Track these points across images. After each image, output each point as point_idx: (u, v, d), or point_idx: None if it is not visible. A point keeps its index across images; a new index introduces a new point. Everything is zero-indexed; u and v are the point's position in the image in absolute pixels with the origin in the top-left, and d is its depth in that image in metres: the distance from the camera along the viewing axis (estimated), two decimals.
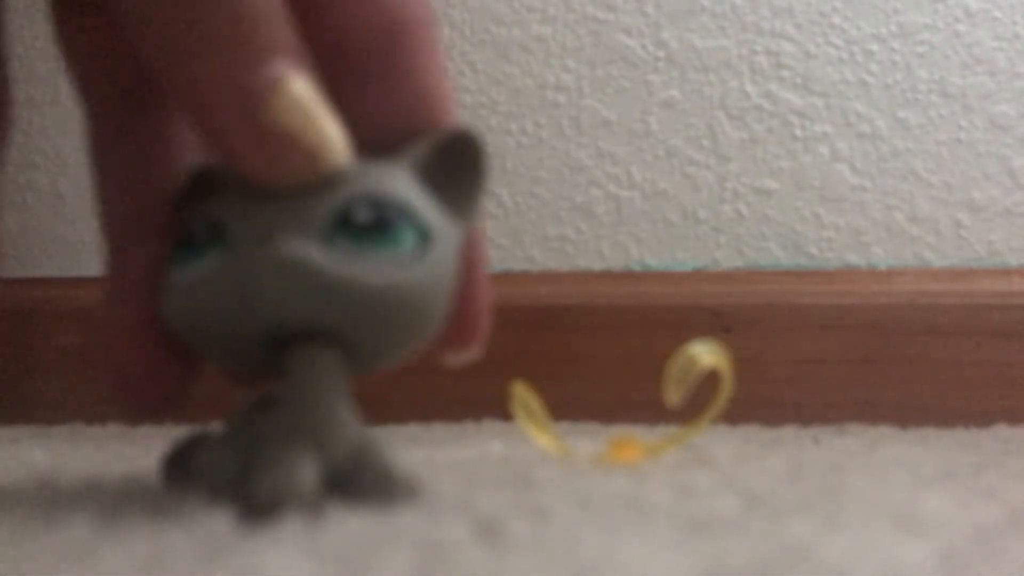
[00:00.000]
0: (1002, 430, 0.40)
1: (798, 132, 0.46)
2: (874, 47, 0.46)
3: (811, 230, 0.46)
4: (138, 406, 0.20)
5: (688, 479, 0.23)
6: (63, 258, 0.50)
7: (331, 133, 0.17)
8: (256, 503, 0.17)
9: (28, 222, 0.51)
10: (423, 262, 0.18)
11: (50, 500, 0.20)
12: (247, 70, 0.17)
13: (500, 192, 0.48)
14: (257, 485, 0.17)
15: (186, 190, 0.20)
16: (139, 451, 0.32)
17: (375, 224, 0.18)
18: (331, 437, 0.18)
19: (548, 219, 0.48)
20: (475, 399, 0.44)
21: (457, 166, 0.20)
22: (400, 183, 0.18)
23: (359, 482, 0.18)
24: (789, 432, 0.39)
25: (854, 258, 0.46)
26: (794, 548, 0.15)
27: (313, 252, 0.17)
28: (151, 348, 0.19)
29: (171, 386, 0.20)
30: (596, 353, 0.44)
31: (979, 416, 0.42)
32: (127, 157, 0.20)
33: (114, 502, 0.20)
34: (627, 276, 0.47)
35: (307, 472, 0.18)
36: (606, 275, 0.47)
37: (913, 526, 0.18)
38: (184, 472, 0.21)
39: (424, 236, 0.18)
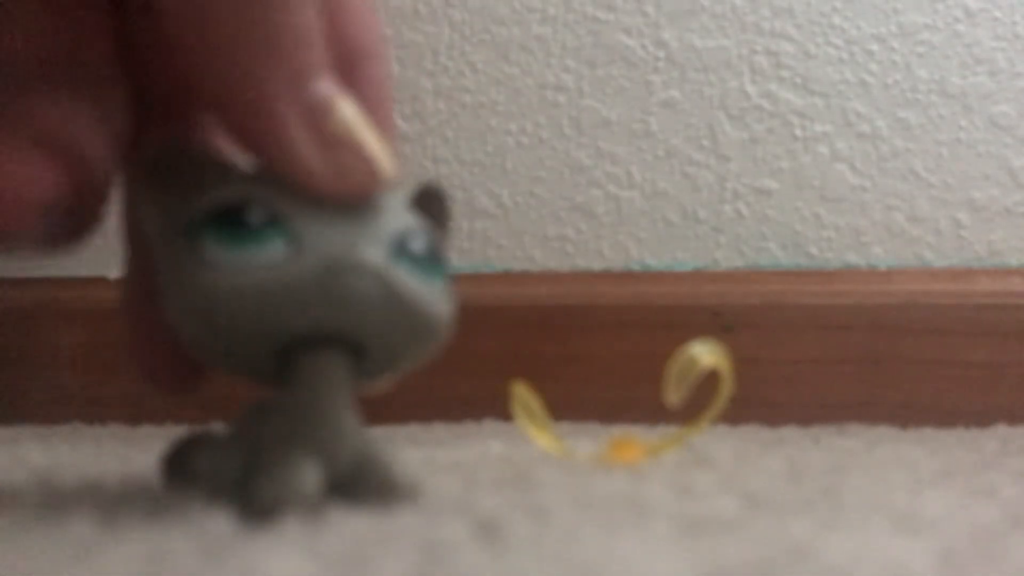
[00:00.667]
0: (1002, 430, 0.40)
1: (798, 132, 0.47)
2: (874, 47, 0.46)
3: (811, 230, 0.46)
4: (168, 389, 0.21)
5: (688, 479, 0.23)
6: (63, 258, 0.50)
7: (384, 149, 0.18)
8: (257, 505, 0.17)
9: None
10: (447, 298, 0.20)
11: (50, 500, 0.20)
12: (310, 83, 0.18)
13: (500, 192, 0.48)
14: (259, 487, 0.17)
15: (158, 165, 0.20)
16: (139, 451, 0.32)
17: (425, 256, 0.19)
18: (335, 442, 0.18)
19: (548, 219, 0.48)
20: (475, 399, 0.44)
21: (431, 212, 0.21)
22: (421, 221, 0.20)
23: (361, 487, 0.19)
24: (789, 432, 0.39)
25: (854, 258, 0.46)
26: (794, 548, 0.15)
27: (391, 265, 0.18)
28: (170, 345, 0.21)
29: (189, 375, 0.21)
30: (596, 353, 0.44)
31: (979, 416, 0.42)
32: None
33: (114, 502, 0.20)
34: (627, 276, 0.47)
35: (309, 476, 0.18)
36: (606, 275, 0.47)
37: (913, 526, 0.18)
38: (184, 472, 0.21)
39: (445, 274, 0.20)
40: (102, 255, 0.50)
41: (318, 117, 0.18)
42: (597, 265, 0.47)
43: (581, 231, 0.47)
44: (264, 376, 0.19)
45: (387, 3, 0.49)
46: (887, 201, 0.46)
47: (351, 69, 0.20)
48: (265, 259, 0.18)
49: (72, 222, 0.18)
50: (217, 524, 0.17)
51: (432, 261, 0.19)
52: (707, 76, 0.47)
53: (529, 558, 0.15)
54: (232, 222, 0.18)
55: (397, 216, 0.19)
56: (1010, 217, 0.45)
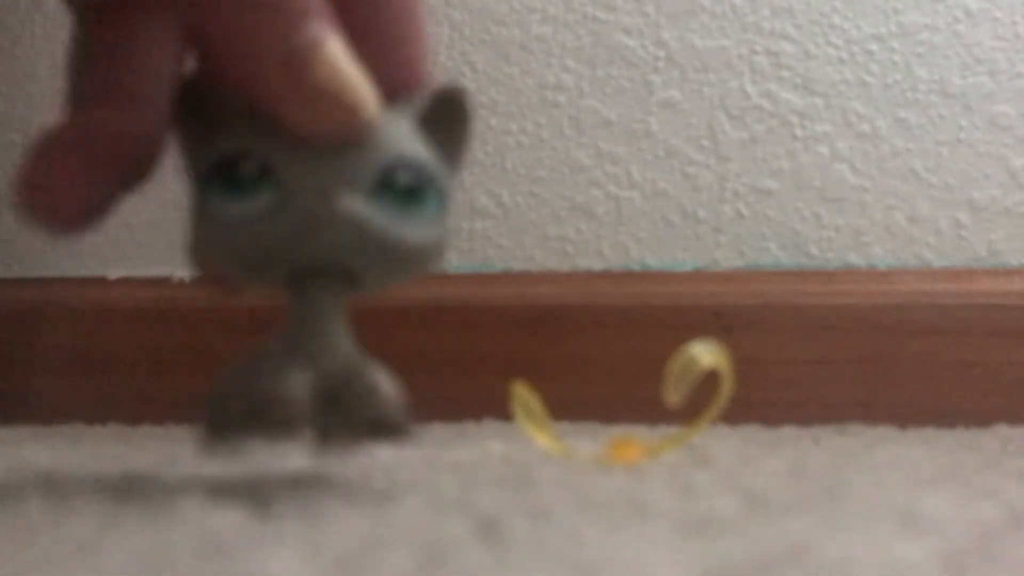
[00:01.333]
0: (1002, 430, 0.40)
1: (798, 132, 0.46)
2: (874, 47, 0.46)
3: (811, 230, 0.46)
4: (51, 217, 0.19)
5: (688, 479, 0.23)
6: (63, 258, 0.50)
7: (365, 89, 0.19)
8: (254, 409, 0.19)
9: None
10: (442, 221, 0.20)
11: (50, 500, 0.20)
12: (290, 31, 0.18)
13: (500, 192, 0.48)
14: (254, 392, 0.19)
15: (182, 102, 0.21)
16: (139, 451, 0.32)
17: (412, 188, 0.20)
18: (323, 353, 0.20)
19: (548, 219, 0.48)
20: (475, 399, 0.44)
21: (449, 120, 0.22)
22: (421, 146, 0.20)
23: (350, 396, 0.20)
24: (789, 432, 0.39)
25: (854, 258, 0.46)
26: (794, 548, 0.15)
27: (366, 210, 0.19)
28: (84, 161, 0.19)
29: (92, 201, 0.19)
30: (596, 353, 0.44)
31: (979, 416, 0.42)
32: (112, 60, 0.20)
33: (114, 502, 0.20)
34: (627, 276, 0.47)
35: (297, 382, 0.19)
36: (606, 275, 0.47)
37: (913, 526, 0.18)
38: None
39: (442, 197, 0.20)
40: (102, 255, 0.50)
41: (296, 63, 0.18)
42: (597, 265, 0.47)
43: (581, 231, 0.47)
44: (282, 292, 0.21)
45: None
46: (887, 201, 0.46)
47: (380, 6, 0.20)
48: (256, 210, 0.19)
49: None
50: (217, 524, 0.17)
51: (420, 190, 0.20)
52: (707, 76, 0.47)
53: (529, 558, 0.15)
54: (229, 175, 0.20)
55: (391, 145, 0.20)
56: (1010, 217, 0.45)
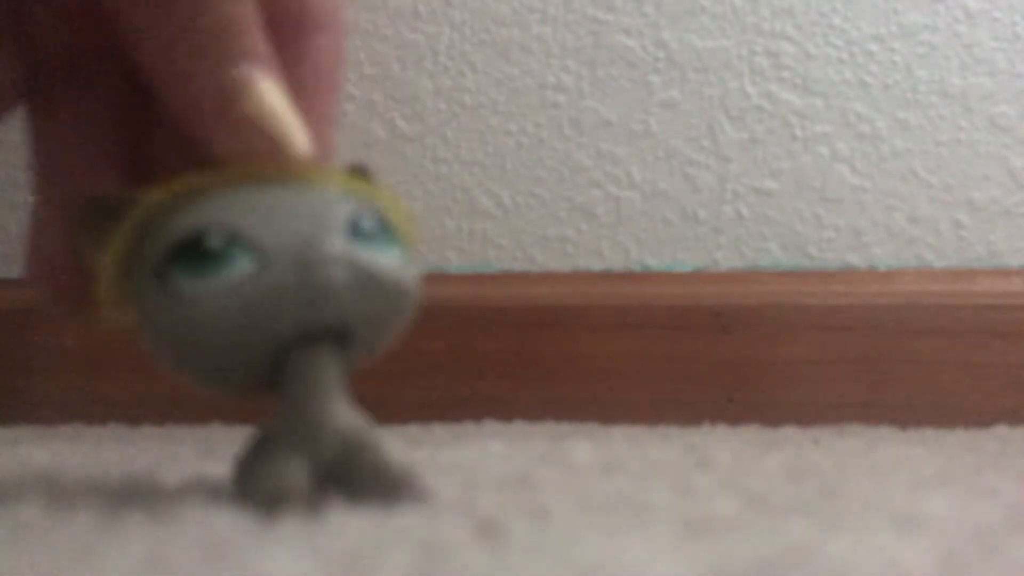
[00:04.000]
0: (1002, 431, 0.40)
1: (798, 133, 0.47)
2: (874, 48, 0.46)
3: (811, 231, 0.46)
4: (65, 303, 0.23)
5: (688, 479, 0.23)
6: None
7: (295, 126, 0.20)
8: (253, 504, 0.18)
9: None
10: (409, 261, 0.20)
11: (50, 500, 0.20)
12: (224, 71, 0.19)
13: (500, 192, 0.48)
14: (251, 487, 0.18)
15: (85, 215, 0.20)
16: (139, 451, 0.32)
17: (378, 230, 0.20)
18: (316, 436, 0.19)
19: (548, 219, 0.48)
20: (475, 399, 0.44)
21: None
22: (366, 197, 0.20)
23: (354, 475, 0.19)
24: (789, 432, 0.39)
25: (854, 259, 0.46)
26: (794, 548, 0.15)
27: (352, 248, 0.19)
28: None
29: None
30: (596, 353, 0.44)
31: (979, 416, 0.42)
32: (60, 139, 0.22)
33: (114, 502, 0.20)
34: (627, 276, 0.47)
35: (296, 472, 0.19)
36: (606, 275, 0.47)
37: (913, 526, 0.18)
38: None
39: (402, 243, 0.20)
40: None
41: (227, 99, 0.19)
42: (597, 265, 0.47)
43: (581, 231, 0.47)
44: (259, 387, 0.20)
45: (387, 3, 0.49)
46: (887, 202, 0.46)
47: (298, 41, 0.21)
48: (237, 277, 0.18)
49: None
50: (217, 524, 0.17)
51: (385, 233, 0.20)
52: (707, 76, 0.47)
53: (529, 558, 0.15)
54: (195, 254, 0.19)
55: (340, 201, 0.20)
56: (1010, 218, 0.45)
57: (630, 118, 0.47)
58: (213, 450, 0.31)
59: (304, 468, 0.19)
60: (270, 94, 0.19)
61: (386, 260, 0.19)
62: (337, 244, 0.19)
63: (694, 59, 0.47)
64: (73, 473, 0.25)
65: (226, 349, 0.19)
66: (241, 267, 0.18)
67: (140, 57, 0.20)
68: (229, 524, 0.17)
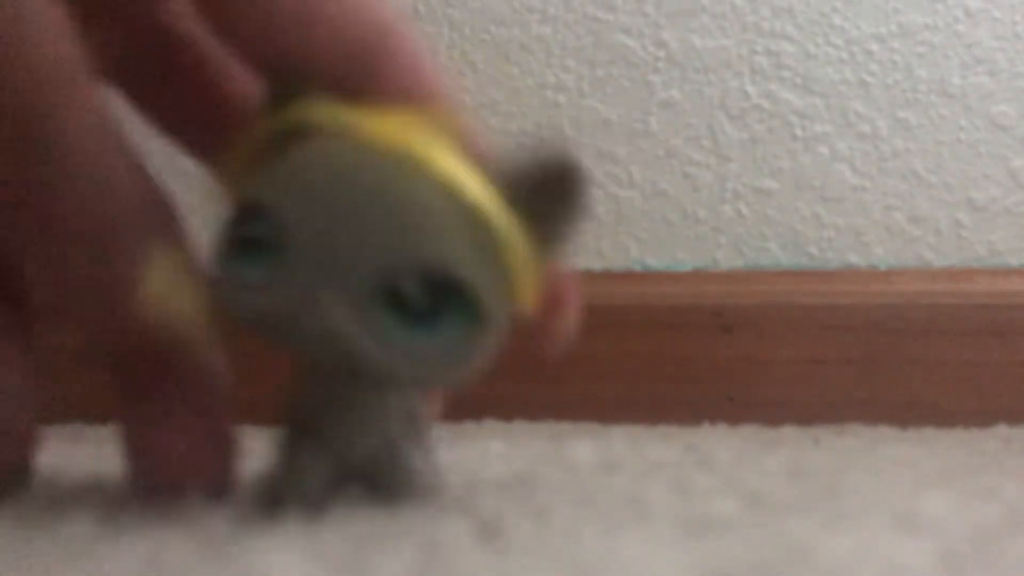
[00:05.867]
0: (1002, 430, 0.39)
1: (798, 132, 0.46)
2: (874, 47, 0.46)
3: (811, 230, 0.46)
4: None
5: (688, 479, 0.23)
6: None
7: (194, 315, 0.18)
8: (267, 502, 0.18)
9: None
10: (470, 350, 0.17)
11: (50, 500, 0.20)
12: (108, 269, 0.18)
13: None
14: (269, 487, 0.18)
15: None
16: None
17: (425, 309, 0.16)
18: (348, 440, 0.18)
19: None
20: (475, 399, 0.43)
21: (541, 199, 0.17)
22: (458, 238, 0.16)
23: (378, 478, 0.19)
24: (789, 432, 0.39)
25: (854, 258, 0.46)
26: (794, 548, 0.15)
27: (351, 326, 0.16)
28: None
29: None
30: (596, 353, 0.44)
31: (979, 416, 0.42)
32: None
33: (114, 502, 0.20)
34: (627, 276, 0.47)
35: (315, 473, 0.18)
36: (606, 275, 0.47)
37: (913, 526, 0.18)
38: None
39: (476, 318, 0.16)
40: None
41: (112, 300, 0.18)
42: (597, 265, 0.47)
43: (581, 231, 0.47)
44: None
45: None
46: (887, 201, 0.46)
47: (372, 52, 0.19)
48: (250, 277, 0.17)
49: None
50: (217, 524, 0.17)
51: (433, 316, 0.16)
52: (707, 76, 0.47)
53: (529, 558, 0.15)
54: (240, 232, 0.17)
55: (415, 244, 0.16)
56: (1010, 217, 0.45)
57: (630, 118, 0.47)
58: None
59: (326, 468, 0.18)
60: (158, 286, 0.18)
61: (410, 348, 0.16)
62: (338, 316, 0.16)
63: (694, 58, 0.47)
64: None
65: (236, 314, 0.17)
66: (258, 270, 0.16)
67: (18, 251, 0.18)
68: (229, 524, 0.17)
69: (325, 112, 0.17)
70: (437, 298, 0.16)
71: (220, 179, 0.19)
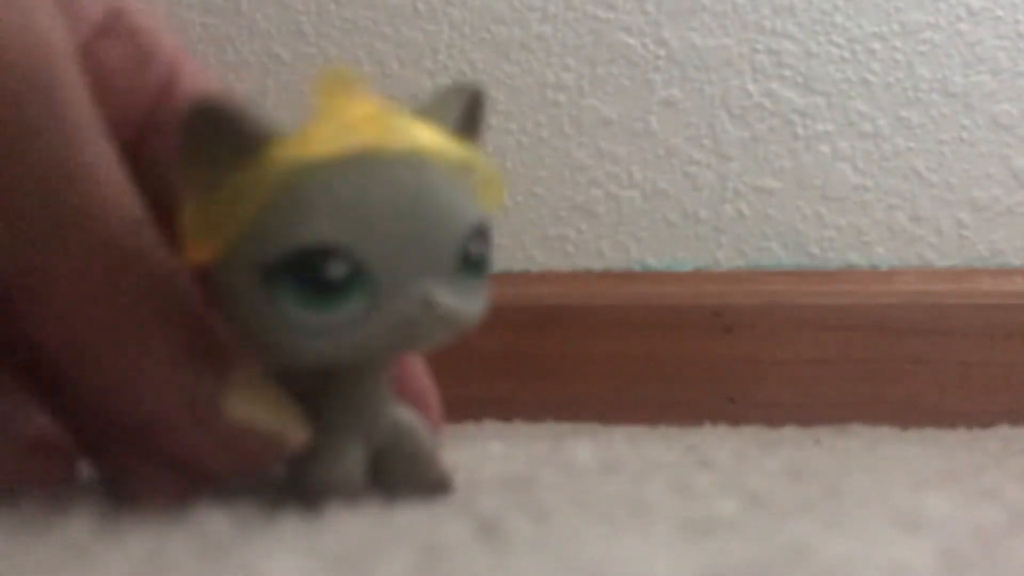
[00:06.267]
0: (1003, 430, 0.39)
1: (799, 131, 0.46)
2: (876, 46, 0.46)
3: (812, 230, 0.46)
4: None
5: (688, 479, 0.23)
6: None
7: (285, 419, 0.18)
8: (310, 492, 0.19)
9: None
10: (483, 291, 0.19)
11: (50, 500, 0.20)
12: (196, 384, 0.17)
13: None
14: (312, 475, 0.19)
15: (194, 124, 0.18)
16: None
17: (478, 258, 0.19)
18: (377, 428, 0.20)
19: (548, 219, 0.48)
20: (475, 399, 0.44)
21: (466, 121, 0.21)
22: (472, 196, 0.19)
23: (396, 457, 0.20)
24: (789, 432, 0.39)
25: (856, 258, 0.46)
26: (794, 548, 0.15)
27: (455, 300, 0.18)
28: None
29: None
30: (596, 353, 0.44)
31: (980, 416, 0.42)
32: None
33: (114, 502, 0.20)
34: (627, 276, 0.47)
35: (354, 461, 0.19)
36: (606, 275, 0.47)
37: (913, 526, 0.18)
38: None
39: (489, 268, 0.19)
40: None
41: (208, 414, 0.17)
42: (597, 265, 0.47)
43: (581, 231, 0.47)
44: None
45: (386, 2, 0.49)
46: (889, 201, 0.46)
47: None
48: (349, 316, 0.17)
49: None
50: (217, 524, 0.17)
51: (482, 262, 0.18)
52: (708, 75, 0.47)
53: (529, 558, 0.15)
54: (312, 277, 0.17)
55: (465, 211, 0.18)
56: (1012, 217, 0.45)
57: (631, 117, 0.47)
58: None
59: (360, 462, 0.19)
60: (250, 395, 0.18)
61: (469, 299, 0.18)
62: (443, 298, 0.18)
63: (695, 57, 0.47)
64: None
65: (309, 360, 0.18)
66: (353, 306, 0.17)
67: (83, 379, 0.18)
68: (229, 524, 0.17)
69: (285, 148, 0.17)
70: (486, 252, 0.19)
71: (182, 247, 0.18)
